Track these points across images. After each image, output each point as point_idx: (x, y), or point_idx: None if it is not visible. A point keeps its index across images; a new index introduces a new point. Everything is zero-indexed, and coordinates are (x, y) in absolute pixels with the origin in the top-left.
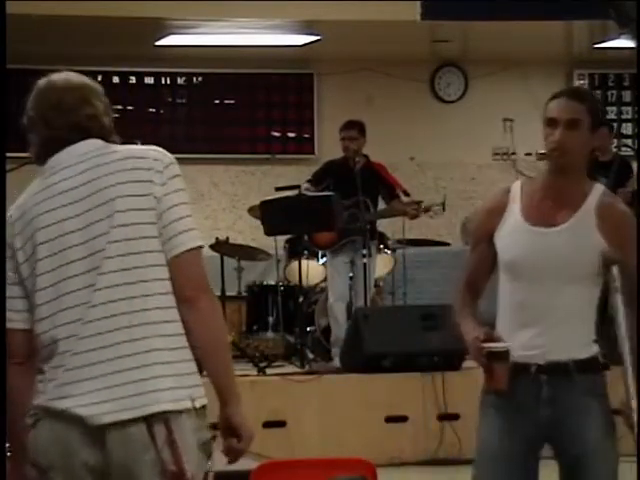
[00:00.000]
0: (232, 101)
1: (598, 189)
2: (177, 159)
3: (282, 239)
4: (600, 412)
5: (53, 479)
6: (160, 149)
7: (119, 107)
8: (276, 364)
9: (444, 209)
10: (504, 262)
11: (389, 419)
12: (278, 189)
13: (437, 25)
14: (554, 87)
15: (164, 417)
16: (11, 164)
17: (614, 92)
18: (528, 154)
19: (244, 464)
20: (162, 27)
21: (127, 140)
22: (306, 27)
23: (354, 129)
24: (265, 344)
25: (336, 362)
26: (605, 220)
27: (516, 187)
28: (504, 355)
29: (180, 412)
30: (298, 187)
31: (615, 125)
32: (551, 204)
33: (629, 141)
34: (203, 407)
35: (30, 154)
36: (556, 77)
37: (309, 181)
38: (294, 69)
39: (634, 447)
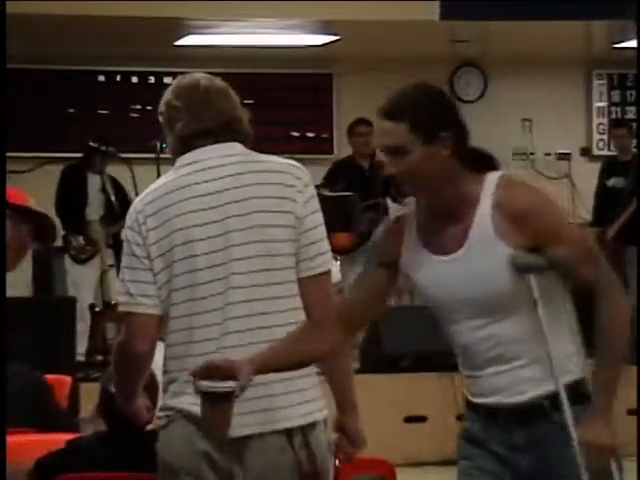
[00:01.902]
0: (251, 101)
1: (488, 187)
2: None
3: None
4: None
5: None
6: (299, 165)
7: (138, 107)
8: None
9: None
10: (425, 299)
11: (408, 419)
12: None
13: (456, 25)
14: (573, 87)
15: (301, 427)
16: (28, 164)
17: (633, 92)
18: (547, 154)
19: None
20: (181, 27)
21: (146, 140)
22: (325, 27)
23: (368, 125)
24: None
25: (356, 363)
26: (507, 222)
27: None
28: (220, 398)
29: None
30: (317, 187)
31: (634, 125)
32: (442, 224)
33: None
34: None
35: (166, 146)
36: (575, 77)
37: (324, 185)
38: (313, 69)
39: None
